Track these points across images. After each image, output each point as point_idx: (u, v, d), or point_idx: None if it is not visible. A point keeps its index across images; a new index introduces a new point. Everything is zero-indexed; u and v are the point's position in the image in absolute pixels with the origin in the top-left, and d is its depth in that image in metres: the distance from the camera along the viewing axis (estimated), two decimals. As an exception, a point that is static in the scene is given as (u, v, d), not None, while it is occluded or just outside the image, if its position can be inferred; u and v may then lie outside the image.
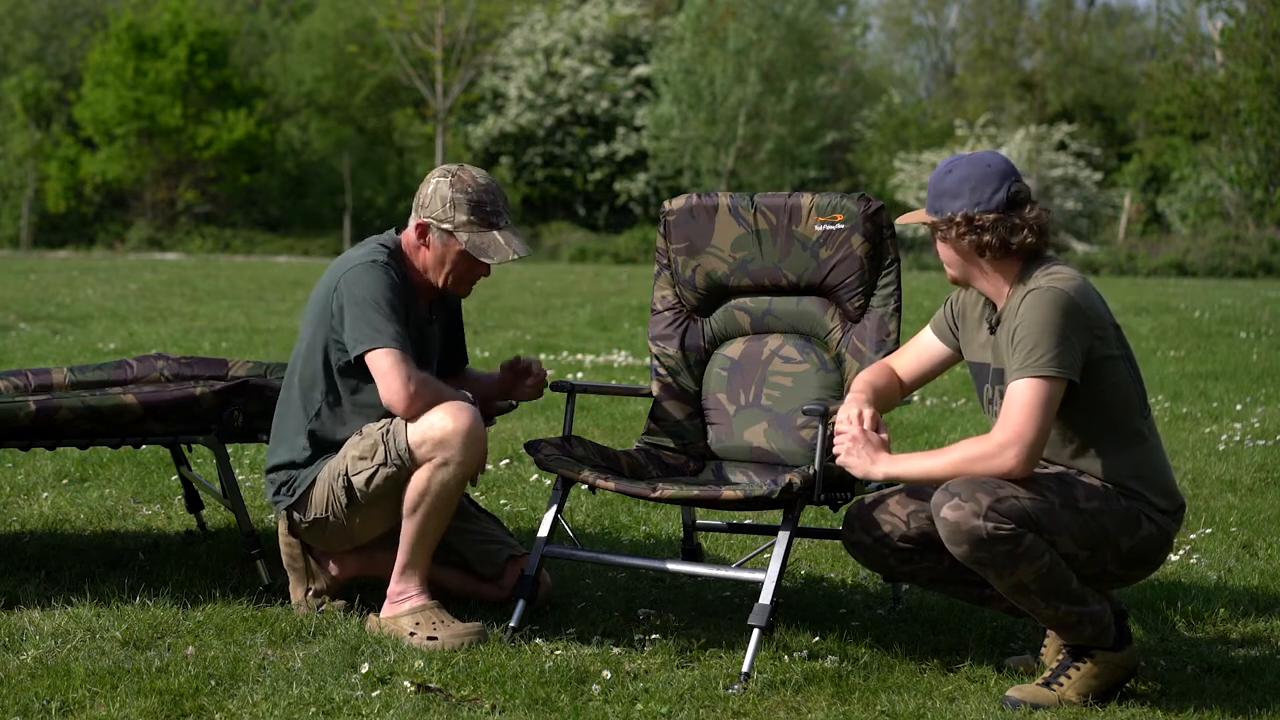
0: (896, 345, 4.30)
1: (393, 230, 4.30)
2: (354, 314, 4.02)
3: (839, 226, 4.40)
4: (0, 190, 41.05)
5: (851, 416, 3.75)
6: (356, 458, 4.06)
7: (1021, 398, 3.54)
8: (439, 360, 4.38)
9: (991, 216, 3.66)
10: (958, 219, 3.67)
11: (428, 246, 4.16)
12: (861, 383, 3.91)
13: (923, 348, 3.99)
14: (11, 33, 45.00)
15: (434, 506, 3.99)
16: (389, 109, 43.14)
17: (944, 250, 3.76)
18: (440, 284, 4.20)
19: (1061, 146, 37.84)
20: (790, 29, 37.53)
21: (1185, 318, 15.15)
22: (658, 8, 43.40)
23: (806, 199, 4.45)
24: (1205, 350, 12.03)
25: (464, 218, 4.10)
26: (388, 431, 4.01)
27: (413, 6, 36.93)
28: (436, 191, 4.12)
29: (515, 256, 4.09)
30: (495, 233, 4.12)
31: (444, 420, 3.94)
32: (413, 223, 4.18)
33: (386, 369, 3.97)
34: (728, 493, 3.96)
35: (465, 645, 3.91)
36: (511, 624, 4.08)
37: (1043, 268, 3.68)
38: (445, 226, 4.11)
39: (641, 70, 40.90)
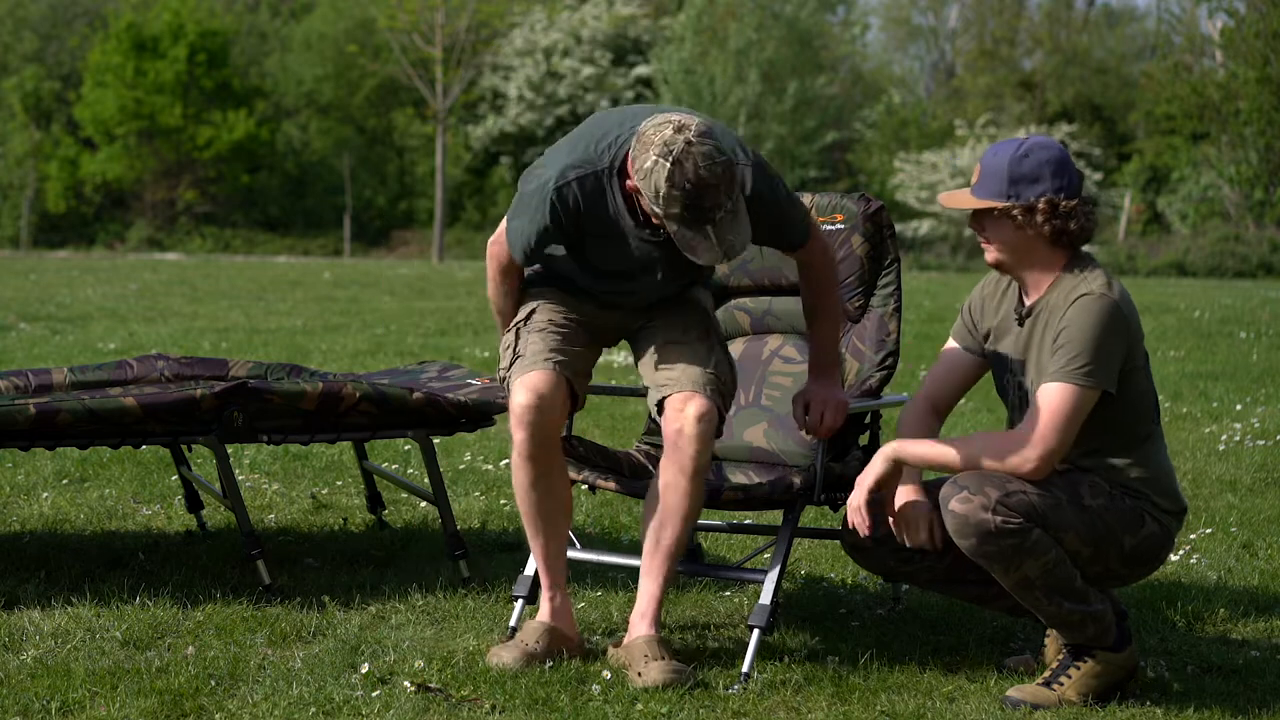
0: (896, 345, 4.30)
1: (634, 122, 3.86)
2: (514, 201, 3.96)
3: (838, 226, 4.40)
4: (0, 190, 41.05)
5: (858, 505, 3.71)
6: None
7: (1052, 402, 3.53)
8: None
9: (1074, 203, 3.62)
10: (1041, 205, 3.61)
11: (639, 196, 3.79)
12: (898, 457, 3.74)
13: (951, 364, 3.92)
14: (11, 33, 45.00)
15: (515, 488, 3.96)
16: (389, 109, 43.13)
17: (1005, 235, 3.66)
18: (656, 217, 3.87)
19: (1061, 146, 37.81)
20: (790, 29, 37.52)
21: (1185, 318, 15.15)
22: (658, 8, 43.37)
23: (806, 199, 4.44)
24: (1205, 350, 12.02)
25: (676, 211, 3.67)
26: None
27: (413, 6, 36.88)
28: (653, 174, 3.64)
29: (723, 261, 3.72)
30: (709, 227, 3.66)
31: (512, 396, 3.89)
32: (630, 170, 3.77)
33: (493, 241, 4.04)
34: (728, 493, 3.96)
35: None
36: (511, 624, 4.08)
37: (1089, 268, 3.65)
38: (656, 209, 3.71)
39: (641, 70, 40.89)
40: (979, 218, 3.71)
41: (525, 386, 3.83)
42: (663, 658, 3.71)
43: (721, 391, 3.90)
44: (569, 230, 3.86)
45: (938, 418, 3.89)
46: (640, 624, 3.80)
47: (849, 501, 3.73)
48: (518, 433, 3.84)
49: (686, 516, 3.81)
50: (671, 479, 3.81)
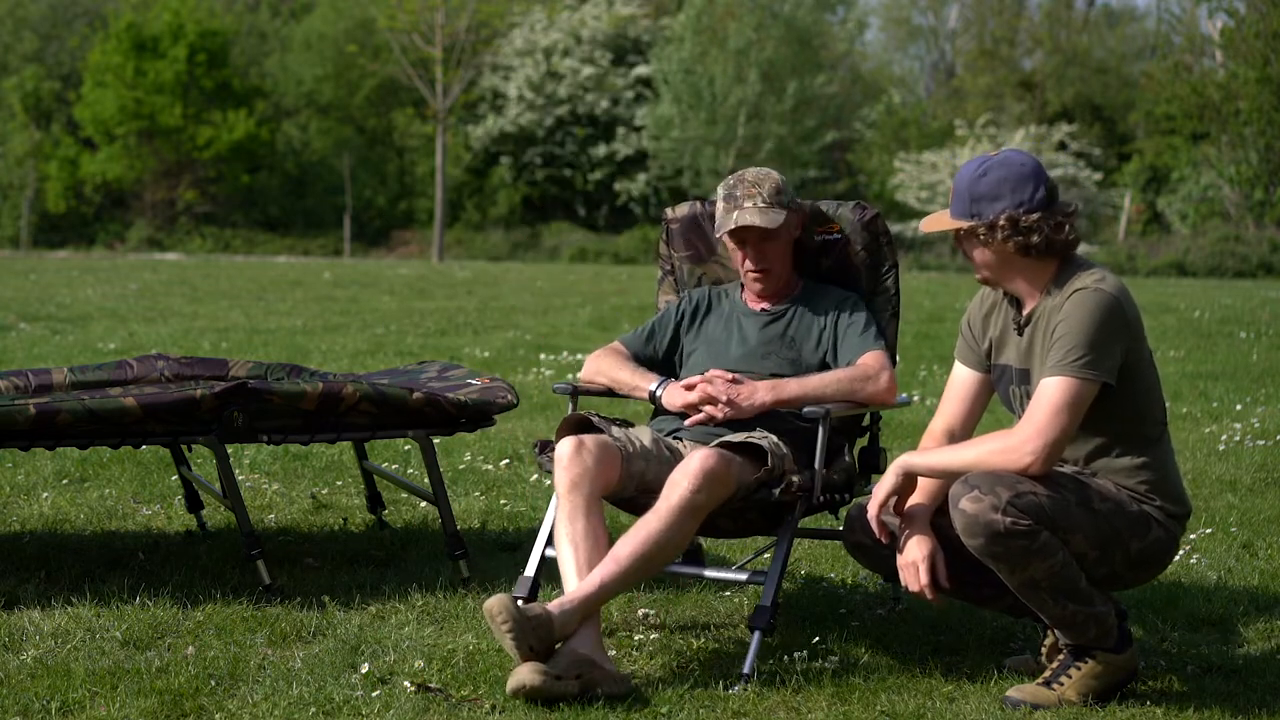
0: (894, 350, 4.31)
1: None
2: None
3: (835, 236, 4.42)
4: (0, 190, 41.05)
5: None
6: None
7: (1050, 396, 3.53)
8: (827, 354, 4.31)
9: (1036, 216, 3.62)
10: (1001, 221, 3.63)
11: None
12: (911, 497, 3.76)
13: (960, 388, 3.93)
14: (11, 33, 45.00)
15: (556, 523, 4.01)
16: (389, 109, 43.12)
17: (980, 253, 3.70)
18: (745, 282, 4.39)
19: (1061, 146, 37.82)
20: (789, 29, 37.51)
21: (1185, 318, 15.15)
22: (658, 8, 43.37)
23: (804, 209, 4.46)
24: (1205, 350, 12.03)
25: (720, 205, 4.30)
26: None
27: (413, 6, 36.86)
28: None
29: (734, 226, 4.22)
30: (736, 211, 4.24)
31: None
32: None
33: None
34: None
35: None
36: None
37: (1084, 268, 3.66)
38: (717, 218, 4.35)
39: (641, 70, 40.88)
40: (957, 237, 3.75)
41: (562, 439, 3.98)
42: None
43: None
44: None
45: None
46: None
47: (867, 512, 3.72)
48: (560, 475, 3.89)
49: (650, 538, 3.73)
50: (658, 504, 3.80)
